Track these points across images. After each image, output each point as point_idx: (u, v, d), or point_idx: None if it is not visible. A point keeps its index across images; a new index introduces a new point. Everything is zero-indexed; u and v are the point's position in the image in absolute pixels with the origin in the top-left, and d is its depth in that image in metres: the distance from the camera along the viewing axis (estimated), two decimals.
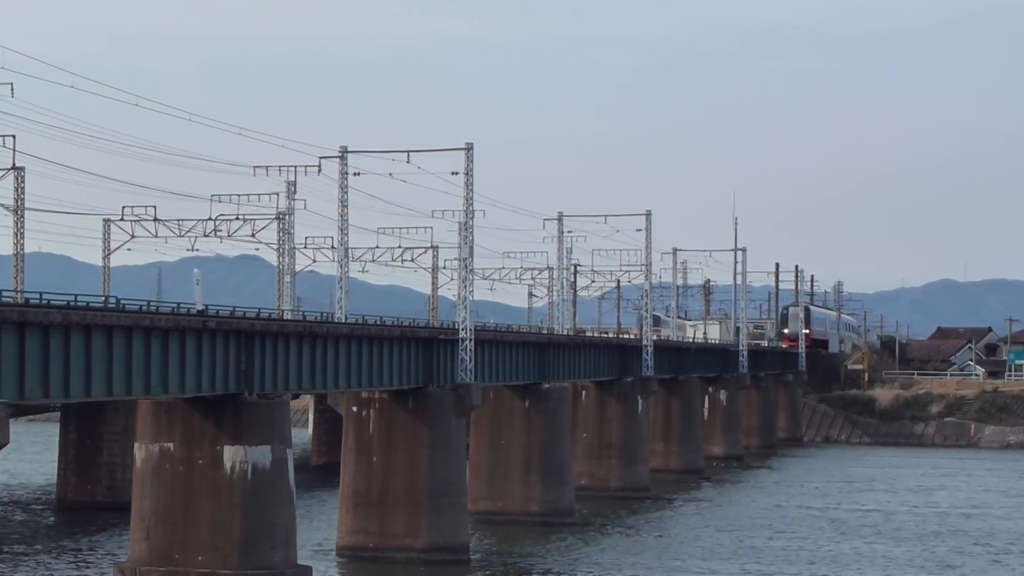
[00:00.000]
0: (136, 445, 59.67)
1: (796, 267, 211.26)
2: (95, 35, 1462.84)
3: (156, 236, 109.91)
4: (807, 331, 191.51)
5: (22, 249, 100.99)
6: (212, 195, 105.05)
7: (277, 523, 58.87)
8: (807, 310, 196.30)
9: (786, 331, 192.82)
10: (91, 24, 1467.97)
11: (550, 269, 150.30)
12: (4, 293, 49.43)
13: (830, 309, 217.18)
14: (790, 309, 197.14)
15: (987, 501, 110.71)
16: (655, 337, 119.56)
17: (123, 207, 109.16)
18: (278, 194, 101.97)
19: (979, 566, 78.15)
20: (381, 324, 74.41)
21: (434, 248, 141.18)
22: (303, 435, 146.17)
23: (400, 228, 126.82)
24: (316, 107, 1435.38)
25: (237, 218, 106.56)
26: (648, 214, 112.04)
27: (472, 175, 76.60)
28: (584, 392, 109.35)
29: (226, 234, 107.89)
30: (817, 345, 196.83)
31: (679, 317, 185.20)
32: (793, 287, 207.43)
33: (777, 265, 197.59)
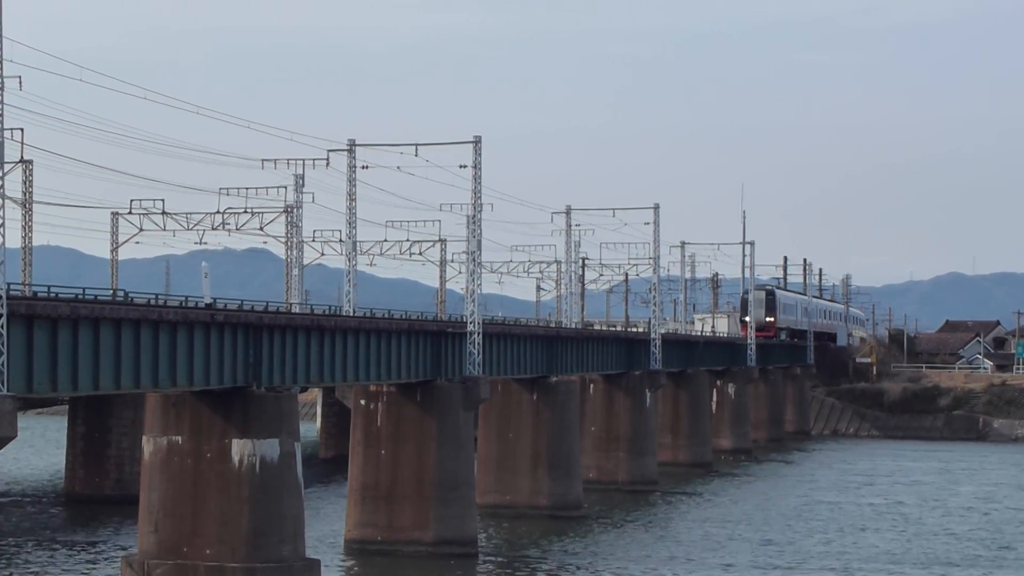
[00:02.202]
0: (144, 438, 59.62)
1: (804, 260, 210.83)
2: (108, 27, 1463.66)
3: (164, 229, 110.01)
4: (771, 319, 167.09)
5: (30, 242, 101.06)
6: (220, 188, 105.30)
7: (285, 516, 58.84)
8: (772, 294, 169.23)
9: (746, 319, 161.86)
10: (103, 16, 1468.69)
11: (558, 262, 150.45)
12: (12, 286, 49.34)
13: (819, 297, 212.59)
14: (751, 293, 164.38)
15: (1010, 495, 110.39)
16: None
17: (131, 200, 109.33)
18: (286, 187, 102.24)
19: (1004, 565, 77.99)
20: (389, 317, 74.34)
21: (442, 241, 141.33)
22: (311, 428, 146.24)
23: (408, 221, 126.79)
24: (324, 100, 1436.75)
25: (245, 211, 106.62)
26: (656, 207, 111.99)
27: (480, 168, 76.57)
28: (592, 385, 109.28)
29: (234, 227, 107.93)
30: (786, 334, 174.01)
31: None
32: (801, 280, 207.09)
33: (785, 258, 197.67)
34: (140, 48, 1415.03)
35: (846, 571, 72.97)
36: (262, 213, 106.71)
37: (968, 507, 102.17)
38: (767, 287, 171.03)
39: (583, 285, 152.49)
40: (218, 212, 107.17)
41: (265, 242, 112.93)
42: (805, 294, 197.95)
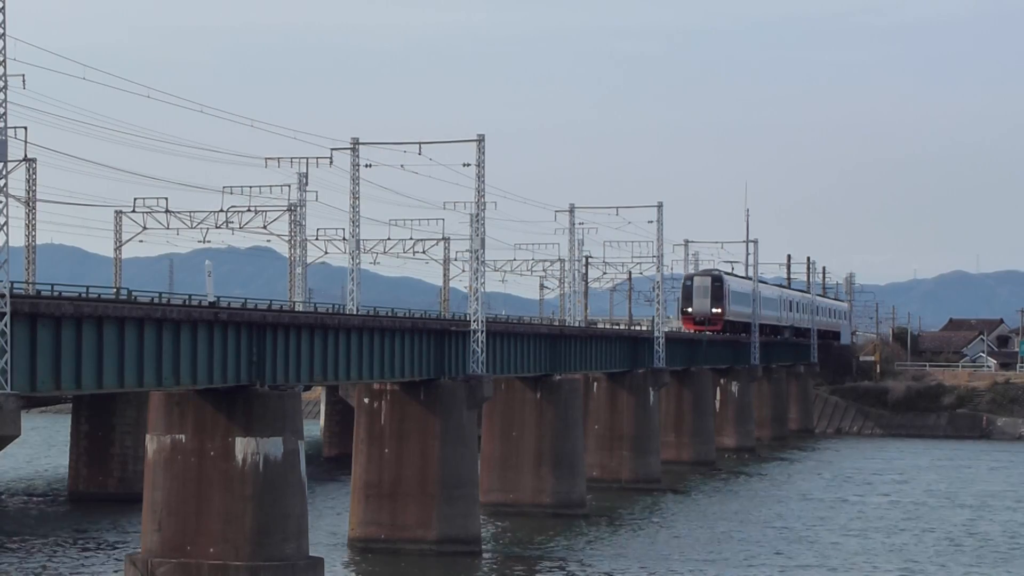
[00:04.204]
0: (148, 437, 59.62)
1: (808, 258, 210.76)
2: (111, 26, 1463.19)
3: (168, 228, 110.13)
4: (718, 310, 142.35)
5: (34, 241, 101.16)
6: (224, 187, 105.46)
7: (289, 515, 58.84)
8: (719, 280, 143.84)
9: (689, 310, 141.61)
10: (106, 15, 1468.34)
11: (562, 261, 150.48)
12: (16, 284, 49.33)
13: (822, 294, 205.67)
14: (695, 279, 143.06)
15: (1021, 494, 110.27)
16: None
17: (135, 199, 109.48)
18: (290, 186, 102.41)
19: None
20: (393, 316, 74.35)
21: (446, 240, 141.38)
22: (315, 427, 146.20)
23: (412, 220, 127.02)
24: (328, 99, 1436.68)
25: (249, 210, 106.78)
26: (660, 206, 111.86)
27: (483, 167, 76.52)
28: (596, 384, 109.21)
29: (238, 226, 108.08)
30: (739, 330, 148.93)
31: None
32: (805, 278, 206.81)
33: (789, 256, 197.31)
34: (143, 46, 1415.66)
35: (872, 570, 72.78)
36: (266, 211, 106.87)
37: (988, 506, 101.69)
38: (714, 272, 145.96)
39: (586, 283, 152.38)
40: (222, 210, 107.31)
41: (269, 240, 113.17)
42: (808, 291, 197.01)
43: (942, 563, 75.58)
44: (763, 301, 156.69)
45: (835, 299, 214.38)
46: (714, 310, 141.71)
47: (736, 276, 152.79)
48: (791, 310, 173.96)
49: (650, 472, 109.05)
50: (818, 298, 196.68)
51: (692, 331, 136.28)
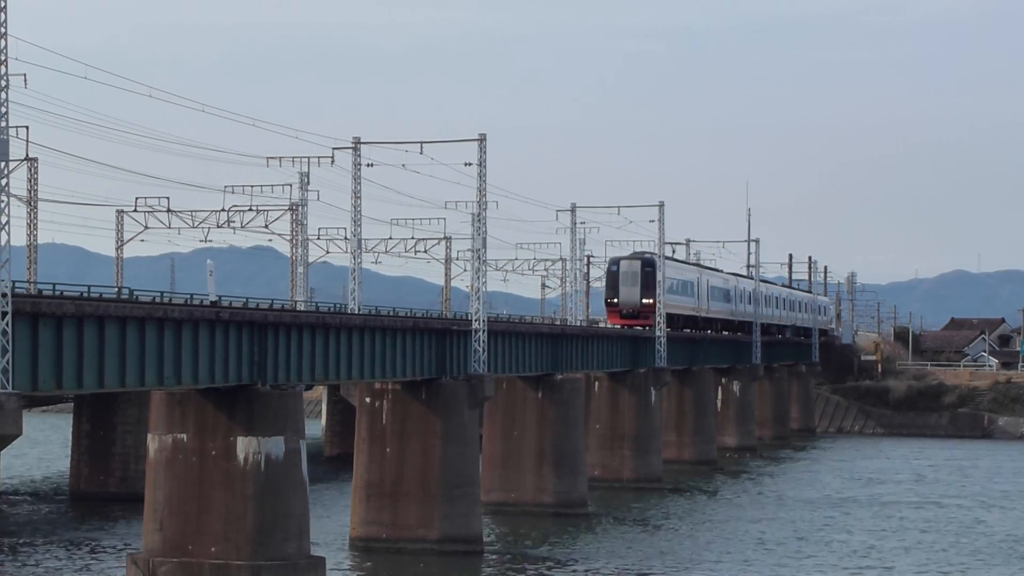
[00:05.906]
0: (149, 436, 59.65)
1: (809, 258, 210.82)
2: (112, 25, 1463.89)
3: (169, 227, 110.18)
4: (648, 300, 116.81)
5: (35, 240, 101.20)
6: (225, 186, 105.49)
7: (290, 514, 58.86)
8: (650, 265, 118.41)
9: (615, 300, 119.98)
10: (107, 13, 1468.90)
11: (563, 260, 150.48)
12: (17, 284, 49.31)
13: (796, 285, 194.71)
14: (621, 264, 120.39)
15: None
16: None
17: (136, 198, 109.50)
18: (291, 185, 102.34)
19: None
20: (394, 315, 74.38)
21: (447, 239, 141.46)
22: (316, 426, 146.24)
23: (413, 219, 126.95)
24: (329, 98, 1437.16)
25: (250, 209, 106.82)
26: (661, 205, 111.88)
27: (485, 166, 76.54)
28: (597, 383, 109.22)
29: (239, 225, 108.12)
30: (676, 325, 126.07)
31: None
32: (807, 278, 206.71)
33: (790, 256, 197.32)
34: (145, 45, 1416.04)
35: (884, 570, 72.74)
36: (267, 211, 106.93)
37: (999, 506, 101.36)
38: (644, 255, 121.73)
39: (588, 283, 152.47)
40: (223, 210, 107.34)
41: (270, 240, 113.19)
42: (811, 290, 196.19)
43: (958, 563, 75.41)
44: (712, 292, 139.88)
45: (807, 291, 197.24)
46: (644, 300, 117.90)
47: (675, 261, 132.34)
48: (751, 304, 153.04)
49: (651, 471, 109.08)
50: (793, 291, 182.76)
51: (619, 326, 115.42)
